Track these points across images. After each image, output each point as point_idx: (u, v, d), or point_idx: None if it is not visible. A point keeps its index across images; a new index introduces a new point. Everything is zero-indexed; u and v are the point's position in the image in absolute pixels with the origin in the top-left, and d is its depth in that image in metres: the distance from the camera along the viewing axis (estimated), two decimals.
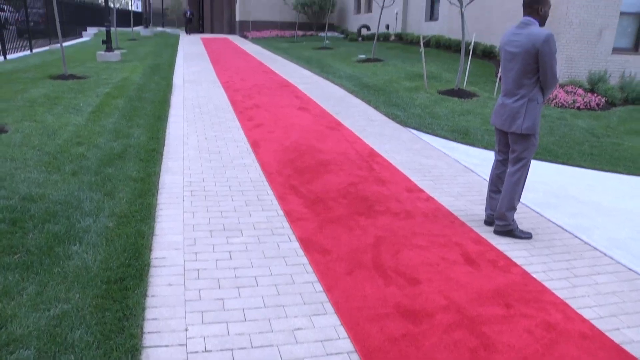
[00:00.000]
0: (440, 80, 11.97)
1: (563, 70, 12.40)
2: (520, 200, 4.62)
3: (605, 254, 4.07)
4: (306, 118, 8.21)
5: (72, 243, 3.65)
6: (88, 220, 4.03)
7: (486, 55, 14.70)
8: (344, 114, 8.69)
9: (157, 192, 4.80)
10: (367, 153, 6.45)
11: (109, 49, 15.42)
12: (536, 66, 3.94)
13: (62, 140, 6.22)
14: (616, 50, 12.83)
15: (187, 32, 30.94)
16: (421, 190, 5.25)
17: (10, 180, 4.79)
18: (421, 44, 11.73)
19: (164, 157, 5.89)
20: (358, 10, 27.48)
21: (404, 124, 8.16)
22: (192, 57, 16.94)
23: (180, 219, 4.27)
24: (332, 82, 11.86)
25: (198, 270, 3.47)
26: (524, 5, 4.04)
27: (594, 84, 11.67)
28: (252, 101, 9.41)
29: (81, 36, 25.94)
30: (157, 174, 5.25)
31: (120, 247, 3.64)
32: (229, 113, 8.43)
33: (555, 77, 3.96)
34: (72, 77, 11.12)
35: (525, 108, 4.03)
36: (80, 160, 5.50)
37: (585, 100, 10.58)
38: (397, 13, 21.51)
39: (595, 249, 4.16)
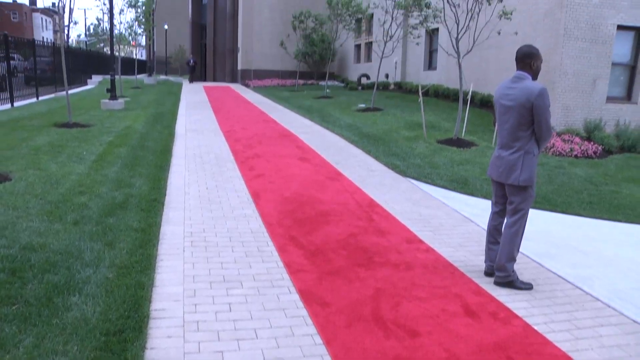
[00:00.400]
0: (439, 129, 12.13)
1: (560, 119, 12.61)
2: (520, 250, 4.62)
3: (608, 305, 4.04)
4: (307, 168, 8.30)
5: (71, 294, 3.65)
6: (88, 271, 4.03)
7: (484, 104, 14.95)
8: (344, 163, 8.78)
9: (158, 242, 4.81)
10: (366, 203, 6.50)
11: (113, 97, 15.72)
12: (531, 119, 4.04)
13: (65, 189, 6.27)
14: (610, 99, 13.10)
15: (190, 81, 31.49)
16: (421, 241, 5.26)
17: (11, 229, 4.82)
18: (420, 94, 11.96)
19: (165, 207, 5.93)
20: (358, 59, 28.08)
21: (404, 173, 8.24)
22: (194, 105, 17.22)
23: (181, 269, 4.27)
24: (333, 131, 12.02)
25: (197, 322, 3.45)
26: (516, 60, 4.17)
27: (590, 132, 11.83)
28: (253, 151, 9.52)
29: (86, 84, 26.46)
30: (157, 224, 5.28)
31: (120, 298, 3.63)
32: (230, 163, 8.53)
33: (549, 130, 4.05)
34: (76, 125, 11.28)
35: (522, 160, 4.10)
36: (82, 210, 5.53)
37: (582, 148, 10.70)
38: (396, 62, 21.97)
39: (598, 299, 4.14)
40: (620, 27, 12.90)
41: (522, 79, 4.12)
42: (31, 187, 6.26)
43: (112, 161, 7.98)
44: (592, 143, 11.15)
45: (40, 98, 17.56)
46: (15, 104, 15.21)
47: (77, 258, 4.27)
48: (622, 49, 13.24)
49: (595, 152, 10.76)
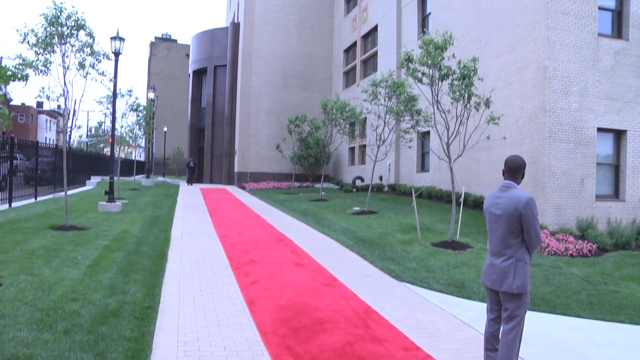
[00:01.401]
0: (433, 231, 12.18)
1: (552, 218, 12.77)
2: (519, 356, 4.53)
3: None
4: (302, 274, 8.26)
5: None
6: None
7: (477, 205, 15.10)
8: (339, 269, 8.72)
9: (151, 352, 4.70)
10: (363, 310, 6.41)
11: (111, 199, 15.87)
12: (520, 227, 4.16)
13: (57, 296, 6.19)
14: (599, 197, 13.42)
15: (188, 183, 31.85)
16: (418, 349, 5.15)
17: None
18: (413, 198, 12.08)
19: (159, 315, 5.83)
20: (352, 162, 28.70)
21: (400, 278, 8.19)
22: (190, 208, 17.35)
23: None
24: (328, 235, 12.01)
25: None
26: (507, 170, 4.34)
27: (584, 231, 11.93)
28: (249, 256, 9.51)
29: (85, 184, 26.75)
30: (151, 333, 5.17)
31: None
32: (226, 269, 8.49)
33: (539, 238, 4.16)
34: (72, 228, 11.28)
35: (514, 267, 4.16)
36: (73, 318, 5.43)
37: (577, 247, 10.73)
38: (389, 165, 22.47)
39: None
40: (600, 129, 13.52)
41: (510, 188, 4.28)
42: (22, 293, 6.17)
43: (107, 266, 7.93)
44: (586, 241, 11.20)
45: (39, 198, 17.68)
46: (14, 204, 15.29)
47: None
48: (605, 149, 13.85)
49: (590, 251, 10.78)
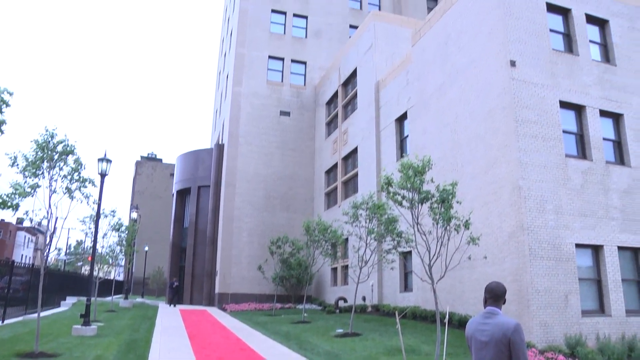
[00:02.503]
0: (419, 353, 11.81)
1: (539, 336, 12.56)
2: None
3: None
4: None
5: None
6: None
7: (462, 325, 14.84)
8: None
9: None
10: None
11: (86, 322, 15.29)
12: (509, 353, 4.14)
13: None
14: (585, 312, 13.34)
15: (170, 304, 30.90)
16: None
17: None
18: (397, 320, 11.86)
19: None
20: (335, 282, 28.27)
21: None
22: (169, 331, 16.72)
23: None
24: None
25: None
26: (492, 297, 4.37)
27: (573, 348, 11.73)
28: None
29: (59, 305, 25.86)
30: None
31: None
32: None
33: None
34: (42, 354, 10.75)
35: None
36: None
37: None
38: (372, 285, 22.22)
39: None
40: (578, 245, 13.80)
41: (494, 314, 4.30)
42: None
43: None
44: (576, 359, 10.95)
45: (8, 321, 16.88)
46: None
47: None
48: (585, 264, 14.04)
49: None
